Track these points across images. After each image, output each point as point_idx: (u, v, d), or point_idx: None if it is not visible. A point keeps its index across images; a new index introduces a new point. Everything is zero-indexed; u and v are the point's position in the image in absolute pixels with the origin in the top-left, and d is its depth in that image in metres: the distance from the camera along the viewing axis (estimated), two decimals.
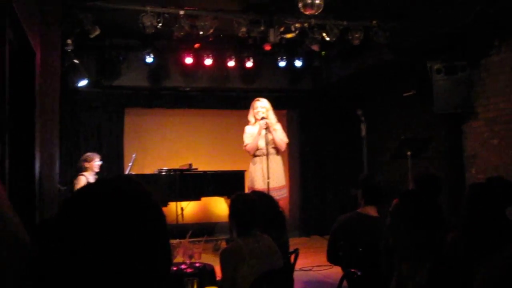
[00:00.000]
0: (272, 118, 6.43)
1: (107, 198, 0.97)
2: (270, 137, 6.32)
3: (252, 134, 6.47)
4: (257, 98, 6.56)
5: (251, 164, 6.58)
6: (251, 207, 3.63)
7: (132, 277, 0.93)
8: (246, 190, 6.28)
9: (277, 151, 6.45)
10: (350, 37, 6.98)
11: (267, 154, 6.26)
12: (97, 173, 7.14)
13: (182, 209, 7.23)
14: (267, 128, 6.27)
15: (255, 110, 6.42)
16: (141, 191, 1.00)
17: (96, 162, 7.14)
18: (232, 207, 3.71)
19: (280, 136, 6.50)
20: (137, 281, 0.94)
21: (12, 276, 1.33)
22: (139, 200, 0.99)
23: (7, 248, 1.33)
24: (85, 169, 7.04)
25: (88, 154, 7.27)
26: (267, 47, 7.79)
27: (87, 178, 6.99)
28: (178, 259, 4.22)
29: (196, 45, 7.84)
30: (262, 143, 6.36)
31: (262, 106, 6.41)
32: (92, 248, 0.92)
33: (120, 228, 0.94)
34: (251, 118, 6.53)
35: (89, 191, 0.99)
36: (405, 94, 7.55)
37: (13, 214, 1.37)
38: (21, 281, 1.44)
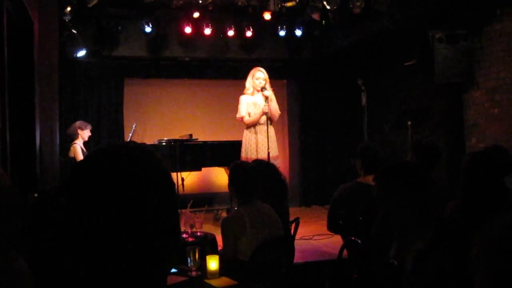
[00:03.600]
0: (269, 88, 6.39)
1: (119, 164, 0.96)
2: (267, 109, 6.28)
3: (248, 104, 6.41)
4: (258, 68, 6.48)
5: (247, 134, 6.51)
6: (251, 175, 3.65)
7: (142, 247, 0.94)
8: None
9: (271, 121, 6.42)
10: (351, 6, 6.90)
11: (267, 125, 6.24)
12: (85, 143, 7.13)
13: (182, 179, 7.25)
14: (266, 99, 6.23)
15: (256, 80, 6.35)
16: (153, 157, 1.00)
17: (88, 131, 7.13)
18: (231, 176, 3.72)
19: (276, 107, 6.47)
20: (147, 251, 0.94)
21: None
22: (151, 166, 0.98)
23: None
24: (77, 137, 7.01)
25: (82, 122, 7.22)
26: (267, 16, 7.71)
27: (80, 146, 6.98)
28: None
29: (195, 15, 7.75)
30: (262, 117, 6.33)
31: (263, 77, 6.35)
32: (102, 215, 0.92)
33: (132, 194, 0.93)
34: (248, 85, 6.45)
35: (100, 157, 0.98)
36: (406, 64, 7.50)
37: None
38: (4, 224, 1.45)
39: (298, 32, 8.54)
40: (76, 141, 6.98)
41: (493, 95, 6.45)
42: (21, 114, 3.98)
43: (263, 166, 4.27)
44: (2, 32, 2.97)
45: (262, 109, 6.25)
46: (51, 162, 4.98)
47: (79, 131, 7.04)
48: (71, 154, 6.94)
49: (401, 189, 2.27)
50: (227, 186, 3.80)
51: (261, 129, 6.33)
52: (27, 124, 4.13)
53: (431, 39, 6.68)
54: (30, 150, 4.18)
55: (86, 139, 7.14)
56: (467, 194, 2.95)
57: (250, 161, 5.47)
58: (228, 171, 3.91)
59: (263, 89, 6.27)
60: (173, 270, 3.12)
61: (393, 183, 2.31)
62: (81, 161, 1.02)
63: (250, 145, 6.40)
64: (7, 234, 1.53)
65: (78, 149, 6.92)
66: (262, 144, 6.27)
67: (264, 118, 6.28)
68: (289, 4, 6.99)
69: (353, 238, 3.56)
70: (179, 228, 1.03)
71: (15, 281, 1.58)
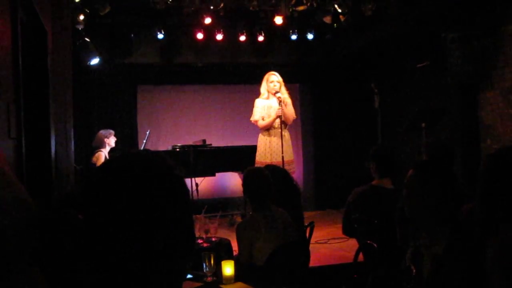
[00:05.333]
0: (284, 92, 6.39)
1: (134, 170, 0.97)
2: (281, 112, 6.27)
3: (263, 107, 6.41)
4: (271, 72, 6.49)
5: (261, 138, 6.50)
6: (264, 181, 3.65)
7: (158, 253, 0.94)
8: (256, 165, 6.24)
9: (285, 125, 6.42)
10: (362, 8, 6.88)
11: (281, 129, 6.23)
12: (111, 150, 7.22)
13: (197, 184, 7.27)
14: (280, 103, 6.23)
15: (271, 83, 6.35)
16: (165, 164, 1.01)
17: (113, 137, 7.24)
18: (245, 182, 3.73)
19: (291, 111, 6.47)
20: (163, 257, 0.95)
21: (12, 231, 1.35)
22: (164, 173, 0.99)
23: (9, 205, 1.35)
24: (103, 145, 7.12)
25: (104, 130, 7.33)
26: (279, 21, 7.72)
27: (105, 154, 7.07)
28: None
29: (207, 20, 7.78)
30: (276, 120, 6.32)
31: (277, 80, 6.36)
32: (117, 221, 0.92)
33: (146, 201, 0.94)
34: (263, 90, 6.46)
35: (116, 164, 0.99)
36: (418, 65, 7.46)
37: (14, 177, 1.38)
38: (22, 239, 1.47)
39: (310, 36, 8.53)
40: (102, 149, 7.08)
41: (508, 96, 6.39)
42: (36, 122, 4.01)
43: (276, 172, 4.26)
44: (17, 42, 3.00)
45: (276, 112, 6.24)
46: (67, 170, 5.02)
47: (106, 140, 7.15)
48: (94, 160, 7.02)
49: (434, 188, 2.25)
50: (241, 191, 3.80)
51: (276, 132, 6.32)
52: (42, 132, 4.16)
53: (444, 40, 6.64)
54: (46, 157, 4.21)
55: (113, 145, 7.25)
56: (484, 196, 2.91)
57: (264, 165, 5.46)
58: (242, 175, 3.92)
59: (276, 92, 6.27)
60: (189, 276, 3.12)
61: (429, 180, 2.28)
62: (95, 171, 1.03)
63: (265, 149, 6.39)
64: (23, 250, 1.54)
65: (102, 157, 7.00)
66: (277, 148, 6.26)
67: (278, 121, 6.27)
68: (301, 8, 6.99)
69: (368, 241, 3.54)
70: (194, 234, 1.04)
71: None
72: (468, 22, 6.72)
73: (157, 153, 1.04)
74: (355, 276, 3.69)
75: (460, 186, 2.36)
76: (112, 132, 7.30)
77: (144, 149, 6.83)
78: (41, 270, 1.46)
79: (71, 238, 0.99)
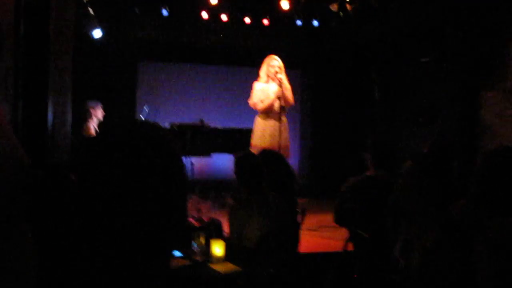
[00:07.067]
0: (284, 77, 6.33)
1: (131, 140, 0.96)
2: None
3: (261, 90, 6.34)
4: (273, 56, 6.42)
5: (258, 121, 6.45)
6: (256, 168, 3.64)
7: (149, 224, 0.93)
8: (251, 148, 6.19)
9: (284, 110, 6.37)
10: None
11: (279, 113, 6.19)
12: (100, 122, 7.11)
13: (192, 164, 7.28)
14: (281, 84, 6.17)
15: (271, 68, 6.28)
16: (165, 136, 1.00)
17: (100, 109, 7.09)
18: (236, 168, 3.72)
19: (290, 96, 6.42)
20: (154, 228, 0.94)
21: (5, 186, 1.34)
22: (162, 144, 0.98)
23: (5, 161, 1.34)
24: (90, 116, 7.00)
25: (91, 101, 7.14)
26: (285, 5, 7.66)
27: (93, 126, 6.97)
28: None
29: (213, 1, 7.72)
30: (276, 104, 6.27)
31: (278, 65, 6.29)
32: (111, 189, 0.91)
33: (142, 169, 0.93)
34: (263, 74, 6.40)
35: (112, 133, 0.98)
36: (422, 60, 7.44)
37: (12, 132, 1.37)
38: (13, 193, 1.46)
39: (315, 23, 8.49)
40: (89, 120, 6.98)
41: (508, 96, 6.38)
42: (34, 89, 3.99)
43: (271, 156, 4.25)
44: (19, 7, 2.98)
45: (276, 93, 6.18)
46: (63, 139, 5.00)
47: (92, 111, 7.02)
48: (84, 133, 6.95)
49: (429, 181, 2.25)
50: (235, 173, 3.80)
51: (274, 116, 6.27)
52: (40, 100, 4.14)
53: (448, 36, 6.61)
54: (42, 126, 4.19)
55: (101, 118, 7.08)
56: (479, 194, 2.92)
57: (259, 149, 5.43)
58: None
59: (277, 73, 6.20)
60: (178, 254, 3.13)
61: (426, 173, 2.28)
62: (93, 137, 1.02)
63: (261, 133, 6.33)
64: (15, 208, 1.54)
65: (91, 129, 6.92)
66: (273, 133, 6.21)
67: (277, 104, 6.22)
68: None
69: (359, 231, 3.55)
70: (186, 209, 1.03)
71: (20, 256, 1.59)
72: (473, 21, 6.68)
73: (156, 124, 1.03)
74: (343, 264, 3.71)
75: (455, 182, 2.36)
76: (100, 104, 7.11)
77: (144, 120, 6.78)
78: (30, 228, 1.45)
79: (62, 197, 0.99)
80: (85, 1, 6.70)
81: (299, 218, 4.21)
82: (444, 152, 4.22)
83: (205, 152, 7.56)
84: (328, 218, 6.24)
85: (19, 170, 1.50)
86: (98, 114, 7.06)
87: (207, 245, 3.13)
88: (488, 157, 2.97)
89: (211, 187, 6.51)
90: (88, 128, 6.92)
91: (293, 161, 7.44)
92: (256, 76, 6.53)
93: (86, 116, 7.00)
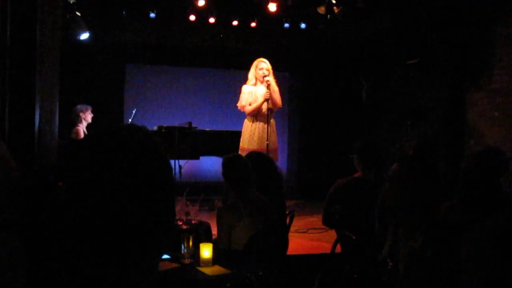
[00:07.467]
0: (272, 80, 6.35)
1: (118, 143, 0.96)
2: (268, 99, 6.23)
3: (249, 93, 6.37)
4: (261, 58, 6.45)
5: (247, 123, 6.47)
6: (244, 169, 3.64)
7: (137, 228, 0.93)
8: (240, 150, 6.21)
9: (272, 112, 6.39)
10: (356, 1, 6.88)
11: (267, 115, 6.21)
12: (88, 125, 7.12)
13: (180, 166, 7.26)
14: (269, 86, 6.19)
15: (260, 70, 6.31)
16: (152, 139, 1.00)
17: (90, 113, 7.11)
18: (224, 171, 3.72)
19: (278, 97, 6.44)
20: (141, 232, 0.94)
21: None
22: (149, 147, 0.98)
23: None
24: (79, 120, 7.00)
25: (81, 105, 7.18)
26: (272, 8, 7.69)
27: (83, 129, 6.98)
28: None
29: (200, 3, 7.72)
30: (264, 106, 6.29)
31: (266, 67, 6.31)
32: (99, 193, 0.92)
33: (129, 173, 0.93)
34: (251, 76, 6.42)
35: (99, 137, 0.98)
36: (408, 62, 7.49)
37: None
38: (2, 199, 1.45)
39: (303, 25, 8.52)
40: (79, 124, 6.99)
41: (494, 98, 6.44)
42: (21, 93, 3.97)
43: (259, 158, 4.25)
44: (6, 13, 2.96)
45: (264, 95, 6.20)
46: (50, 144, 4.97)
47: (81, 114, 7.03)
48: (73, 136, 6.94)
49: (416, 183, 2.26)
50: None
51: (262, 118, 6.29)
52: (27, 104, 4.12)
53: (433, 39, 6.67)
54: (29, 131, 4.17)
55: (90, 121, 7.11)
56: (464, 195, 2.95)
57: (247, 151, 5.43)
58: None
59: (265, 76, 6.22)
60: (166, 256, 3.12)
61: (412, 175, 2.30)
62: (79, 140, 1.02)
63: (250, 135, 6.36)
64: (3, 213, 1.53)
65: (80, 132, 6.92)
66: (262, 135, 6.24)
67: (265, 106, 6.24)
68: None
69: (347, 233, 3.57)
70: (174, 212, 1.03)
71: (8, 261, 1.58)
72: (458, 22, 6.74)
73: (143, 127, 1.03)
74: (331, 266, 3.72)
75: (442, 184, 2.38)
76: (90, 107, 7.14)
77: (132, 123, 6.77)
78: (19, 235, 1.44)
79: (50, 205, 0.98)
80: (71, 2, 6.66)
81: (287, 220, 4.22)
82: (430, 153, 4.26)
83: (194, 155, 7.55)
84: (316, 220, 6.29)
85: (7, 174, 1.49)
86: (87, 117, 7.08)
87: (196, 248, 3.13)
88: (474, 158, 3.01)
89: (200, 189, 6.49)
90: (77, 132, 6.92)
91: (281, 163, 7.47)
92: (244, 79, 6.54)
93: (75, 120, 7.01)
